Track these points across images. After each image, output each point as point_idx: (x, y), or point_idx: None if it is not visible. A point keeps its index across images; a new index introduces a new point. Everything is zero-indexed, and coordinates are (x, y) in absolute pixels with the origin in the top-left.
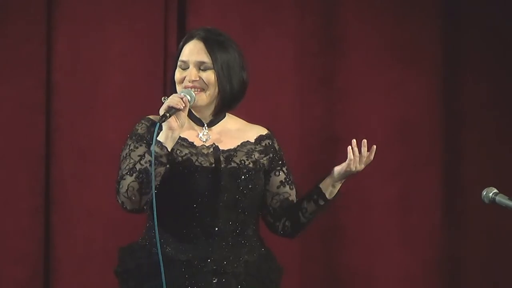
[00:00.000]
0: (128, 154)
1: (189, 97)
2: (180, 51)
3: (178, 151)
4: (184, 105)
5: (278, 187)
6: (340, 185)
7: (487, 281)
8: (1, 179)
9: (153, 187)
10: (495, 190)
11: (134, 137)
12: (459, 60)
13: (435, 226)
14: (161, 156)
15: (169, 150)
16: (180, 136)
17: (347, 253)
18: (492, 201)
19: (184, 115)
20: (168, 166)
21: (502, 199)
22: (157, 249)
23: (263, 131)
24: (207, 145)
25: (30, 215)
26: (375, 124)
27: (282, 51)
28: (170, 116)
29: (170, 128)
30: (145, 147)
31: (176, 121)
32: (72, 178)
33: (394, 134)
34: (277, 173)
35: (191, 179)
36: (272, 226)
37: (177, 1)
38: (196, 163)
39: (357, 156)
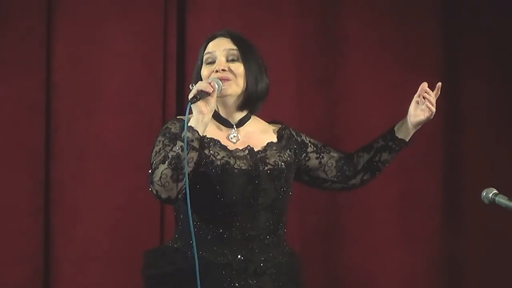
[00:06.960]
0: (162, 149)
1: (216, 85)
2: (204, 50)
3: (215, 154)
4: (212, 89)
5: (320, 163)
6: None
7: (487, 281)
8: (1, 180)
9: (187, 174)
10: (495, 191)
11: (167, 135)
12: (459, 60)
13: (435, 226)
14: (192, 141)
15: (201, 134)
16: (212, 138)
17: (347, 253)
18: (492, 201)
19: (213, 100)
20: (200, 151)
21: (502, 199)
22: (192, 253)
23: (278, 126)
24: (241, 148)
25: (30, 216)
26: (375, 124)
27: (282, 51)
28: (199, 99)
29: (201, 112)
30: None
31: (206, 105)
32: (72, 178)
33: None
34: (307, 157)
35: (230, 182)
36: (344, 187)
37: (176, 1)
38: (236, 166)
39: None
